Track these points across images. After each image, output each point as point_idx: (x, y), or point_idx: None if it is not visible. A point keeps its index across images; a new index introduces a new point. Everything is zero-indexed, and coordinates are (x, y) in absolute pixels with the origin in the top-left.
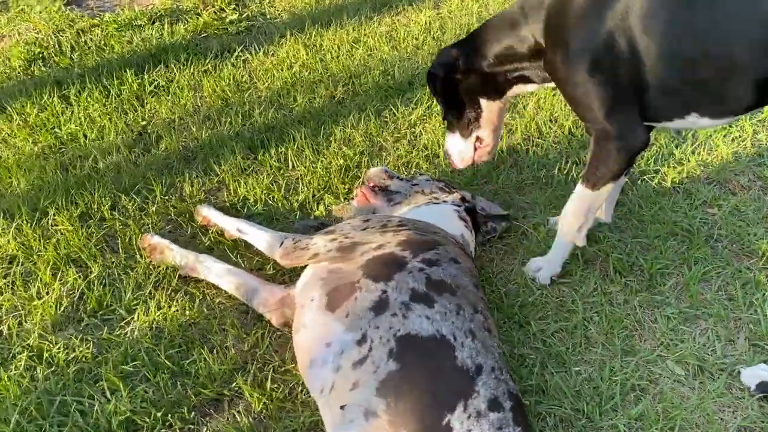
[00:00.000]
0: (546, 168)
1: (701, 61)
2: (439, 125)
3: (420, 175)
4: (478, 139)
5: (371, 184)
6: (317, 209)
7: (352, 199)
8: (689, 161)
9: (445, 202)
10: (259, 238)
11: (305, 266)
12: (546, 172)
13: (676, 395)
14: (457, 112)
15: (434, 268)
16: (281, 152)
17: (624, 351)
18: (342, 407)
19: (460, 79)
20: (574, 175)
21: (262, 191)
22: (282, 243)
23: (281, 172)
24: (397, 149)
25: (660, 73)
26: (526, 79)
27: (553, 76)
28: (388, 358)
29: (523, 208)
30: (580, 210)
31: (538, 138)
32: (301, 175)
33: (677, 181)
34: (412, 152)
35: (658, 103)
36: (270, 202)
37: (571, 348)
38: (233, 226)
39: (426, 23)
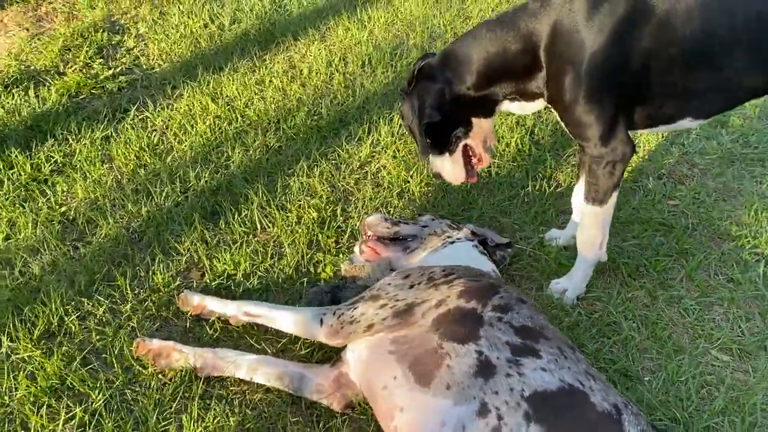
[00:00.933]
0: (521, 185)
1: (705, 69)
2: (395, 156)
3: (421, 215)
4: (468, 149)
5: (376, 236)
6: (323, 271)
7: (360, 254)
8: (632, 160)
9: (459, 239)
10: (284, 319)
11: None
12: (522, 190)
13: (737, 381)
14: (445, 139)
15: (510, 314)
16: (244, 215)
17: (674, 351)
18: None
19: (449, 111)
20: (551, 189)
21: (246, 262)
22: (322, 320)
23: (253, 237)
24: (363, 191)
25: (666, 86)
26: (519, 96)
27: (556, 95)
28: (527, 423)
29: (514, 229)
30: (596, 228)
31: (500, 156)
32: (276, 235)
33: (631, 180)
34: (380, 192)
35: (655, 112)
36: (259, 272)
37: (630, 360)
38: (238, 310)
39: (324, 56)
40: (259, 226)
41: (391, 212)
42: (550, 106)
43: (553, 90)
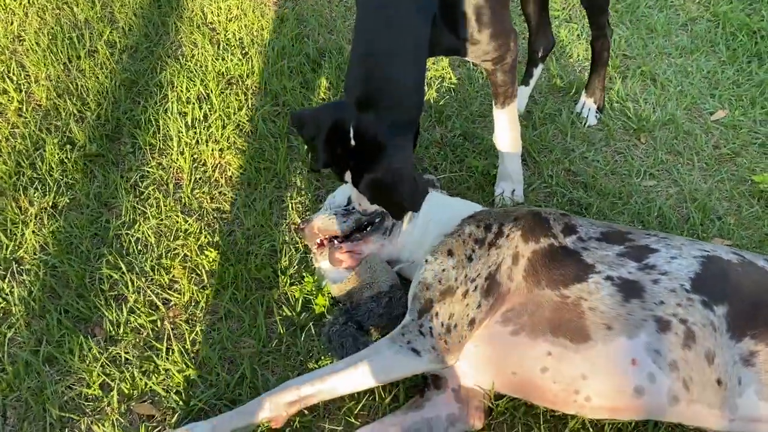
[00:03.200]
0: None
1: None
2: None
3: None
4: None
5: (333, 237)
6: (314, 306)
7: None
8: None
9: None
10: (354, 378)
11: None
12: None
13: None
14: None
15: (580, 230)
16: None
17: None
18: (720, 382)
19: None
20: None
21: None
22: (415, 350)
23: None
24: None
25: None
26: None
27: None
28: (710, 309)
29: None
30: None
31: None
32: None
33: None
34: (271, 185)
35: None
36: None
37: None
38: (277, 404)
39: None
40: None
41: (314, 199)
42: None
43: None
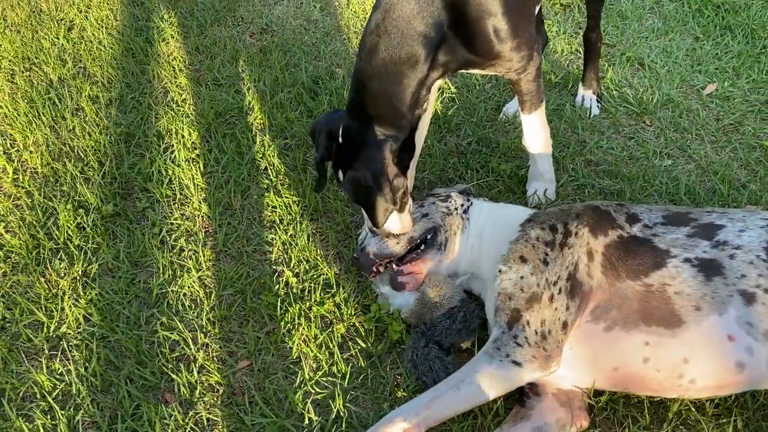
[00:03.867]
0: None
1: None
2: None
3: (415, 201)
4: (405, 198)
5: (391, 260)
6: (390, 333)
7: (402, 290)
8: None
9: (467, 203)
10: (460, 398)
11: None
12: None
13: None
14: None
15: (643, 217)
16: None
17: None
18: None
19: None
20: None
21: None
22: (516, 362)
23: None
24: (296, 235)
25: None
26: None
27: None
28: None
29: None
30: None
31: None
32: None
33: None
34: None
35: None
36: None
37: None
38: (411, 420)
39: None
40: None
41: (352, 225)
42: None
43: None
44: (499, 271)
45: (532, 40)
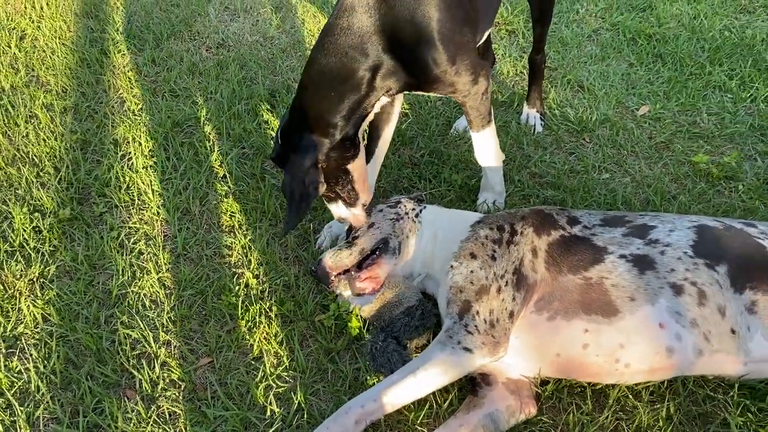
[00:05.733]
0: None
1: None
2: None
3: (369, 208)
4: (353, 195)
5: (346, 269)
6: (349, 328)
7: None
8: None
9: (419, 208)
10: (414, 385)
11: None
12: None
13: None
14: (334, 194)
15: (583, 219)
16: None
17: None
18: (734, 331)
19: (326, 168)
20: None
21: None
22: (468, 348)
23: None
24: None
25: None
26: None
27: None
28: (713, 269)
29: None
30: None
31: None
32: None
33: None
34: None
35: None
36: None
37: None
38: (345, 426)
39: None
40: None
41: (310, 230)
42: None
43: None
44: (451, 266)
45: (475, 65)
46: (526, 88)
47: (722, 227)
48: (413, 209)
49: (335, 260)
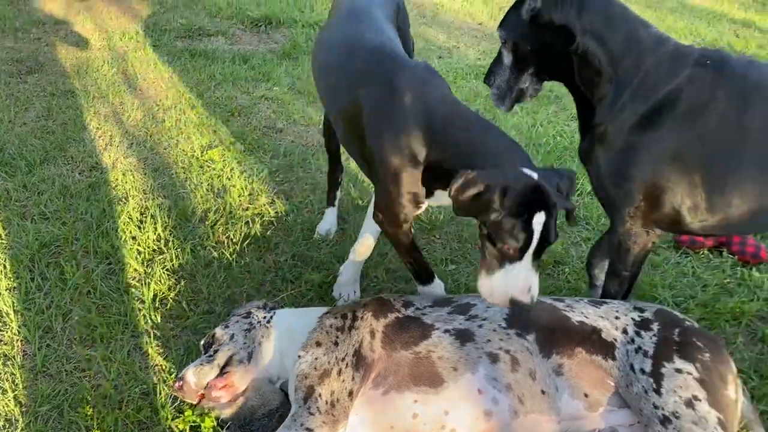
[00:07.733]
0: None
1: None
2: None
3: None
4: None
5: (209, 385)
6: (203, 426)
7: (220, 401)
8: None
9: (268, 314)
10: None
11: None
12: None
13: None
14: None
15: (416, 302)
16: None
17: None
18: (544, 392)
19: None
20: None
21: None
22: (313, 427)
23: None
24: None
25: None
26: None
27: None
28: (523, 337)
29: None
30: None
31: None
32: None
33: None
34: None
35: None
36: None
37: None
38: None
39: None
40: None
41: (171, 337)
42: None
43: None
44: (299, 356)
45: (399, 223)
46: None
47: None
48: (264, 317)
49: (198, 376)
